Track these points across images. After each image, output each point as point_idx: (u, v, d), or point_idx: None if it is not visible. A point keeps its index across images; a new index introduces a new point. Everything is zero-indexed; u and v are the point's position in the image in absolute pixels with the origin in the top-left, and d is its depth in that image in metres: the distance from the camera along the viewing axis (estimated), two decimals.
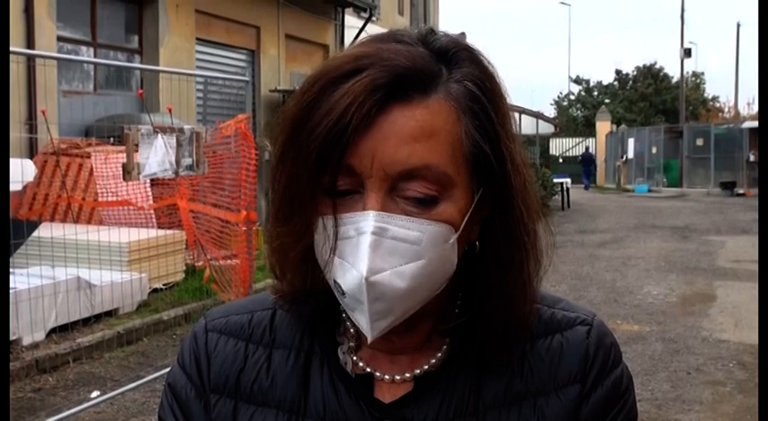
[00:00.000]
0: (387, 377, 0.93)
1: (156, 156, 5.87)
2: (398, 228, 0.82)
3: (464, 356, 0.94)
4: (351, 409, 0.92)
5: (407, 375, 0.93)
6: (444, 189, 0.84)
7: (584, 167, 34.45)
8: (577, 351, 0.95)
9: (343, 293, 0.84)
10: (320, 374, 0.94)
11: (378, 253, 0.81)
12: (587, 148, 36.36)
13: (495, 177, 0.86)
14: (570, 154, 38.68)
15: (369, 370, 0.94)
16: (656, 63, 47.80)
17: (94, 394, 5.55)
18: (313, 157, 0.82)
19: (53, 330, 6.59)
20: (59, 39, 10.80)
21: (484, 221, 0.90)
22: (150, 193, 9.04)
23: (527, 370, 0.94)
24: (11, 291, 6.01)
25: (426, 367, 0.93)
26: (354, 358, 0.95)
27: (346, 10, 18.12)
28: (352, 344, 0.96)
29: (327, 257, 0.85)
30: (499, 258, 0.89)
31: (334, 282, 0.85)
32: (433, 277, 0.85)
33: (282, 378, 0.95)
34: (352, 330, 0.95)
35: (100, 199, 9.13)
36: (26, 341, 6.28)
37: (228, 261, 7.75)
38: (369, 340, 0.86)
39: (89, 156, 9.15)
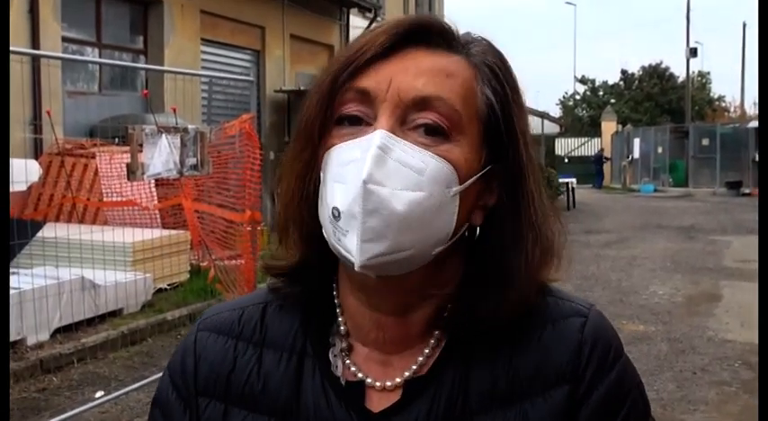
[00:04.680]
0: (378, 384, 0.91)
1: (161, 156, 5.86)
2: (403, 152, 0.82)
3: (452, 355, 0.91)
4: (341, 418, 0.90)
5: (398, 380, 0.91)
6: (454, 127, 0.84)
7: (596, 167, 34.45)
8: (569, 346, 0.90)
9: (337, 216, 0.81)
10: (312, 379, 0.92)
11: (380, 168, 0.80)
12: (602, 149, 36.09)
13: (505, 150, 0.87)
14: (575, 154, 38.58)
15: (360, 375, 0.92)
16: (661, 63, 47.85)
17: (99, 394, 5.55)
18: (327, 81, 0.86)
19: (57, 330, 6.58)
20: (64, 39, 10.81)
21: (490, 211, 0.89)
22: (155, 193, 9.04)
23: (513, 370, 0.89)
24: (16, 291, 6.03)
25: (415, 367, 0.91)
26: (348, 361, 0.92)
27: (351, 10, 18.12)
28: (344, 344, 0.93)
29: (327, 186, 0.84)
30: (503, 240, 0.88)
31: (332, 210, 0.82)
32: (429, 218, 0.82)
33: (274, 382, 0.93)
34: (342, 328, 0.93)
35: (105, 199, 9.15)
36: (31, 341, 6.29)
37: (233, 261, 7.75)
38: (356, 266, 0.81)
39: (94, 157, 9.17)
